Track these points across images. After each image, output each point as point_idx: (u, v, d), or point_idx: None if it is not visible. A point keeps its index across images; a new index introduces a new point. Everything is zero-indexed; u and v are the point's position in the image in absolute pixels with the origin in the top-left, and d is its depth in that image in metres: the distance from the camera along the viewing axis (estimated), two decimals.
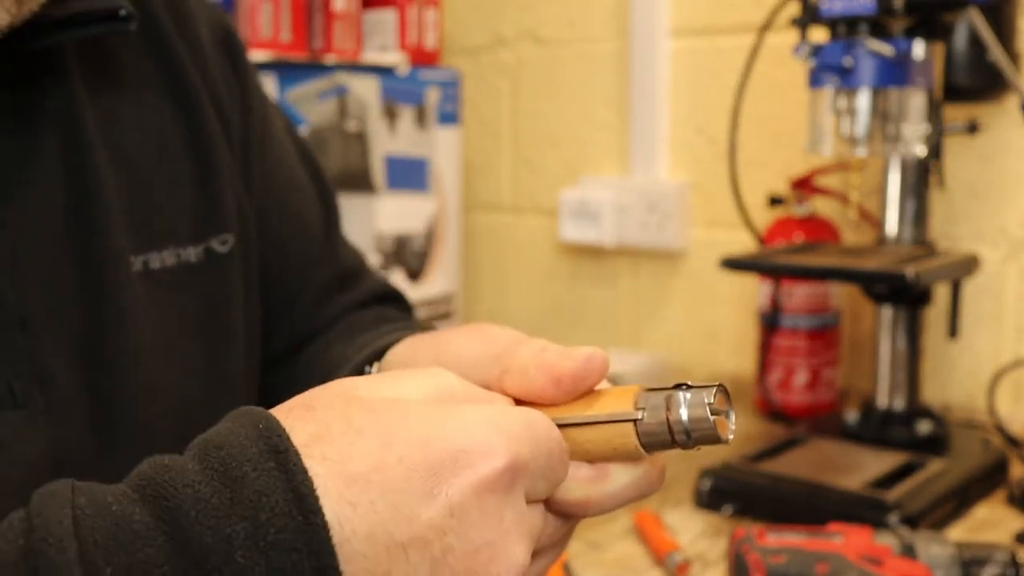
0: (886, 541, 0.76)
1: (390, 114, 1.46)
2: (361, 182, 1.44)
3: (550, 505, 0.47)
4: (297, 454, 0.38)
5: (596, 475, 0.48)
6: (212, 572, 0.36)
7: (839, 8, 0.99)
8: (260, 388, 0.73)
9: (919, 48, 1.00)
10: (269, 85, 1.34)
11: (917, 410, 1.07)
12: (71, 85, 0.60)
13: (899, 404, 1.07)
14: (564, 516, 0.49)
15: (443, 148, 1.54)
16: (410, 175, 1.50)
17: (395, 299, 0.81)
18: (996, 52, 0.99)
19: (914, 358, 1.08)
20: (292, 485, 0.38)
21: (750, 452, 1.02)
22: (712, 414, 0.46)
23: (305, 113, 1.38)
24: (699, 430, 0.46)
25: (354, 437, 0.40)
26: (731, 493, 0.95)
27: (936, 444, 1.04)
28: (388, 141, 1.46)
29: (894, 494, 0.90)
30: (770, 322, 1.25)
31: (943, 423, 1.07)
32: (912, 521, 0.87)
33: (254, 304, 0.70)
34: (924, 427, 1.05)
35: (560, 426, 0.46)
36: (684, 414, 0.45)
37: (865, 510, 0.88)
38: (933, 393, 1.24)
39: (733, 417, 0.47)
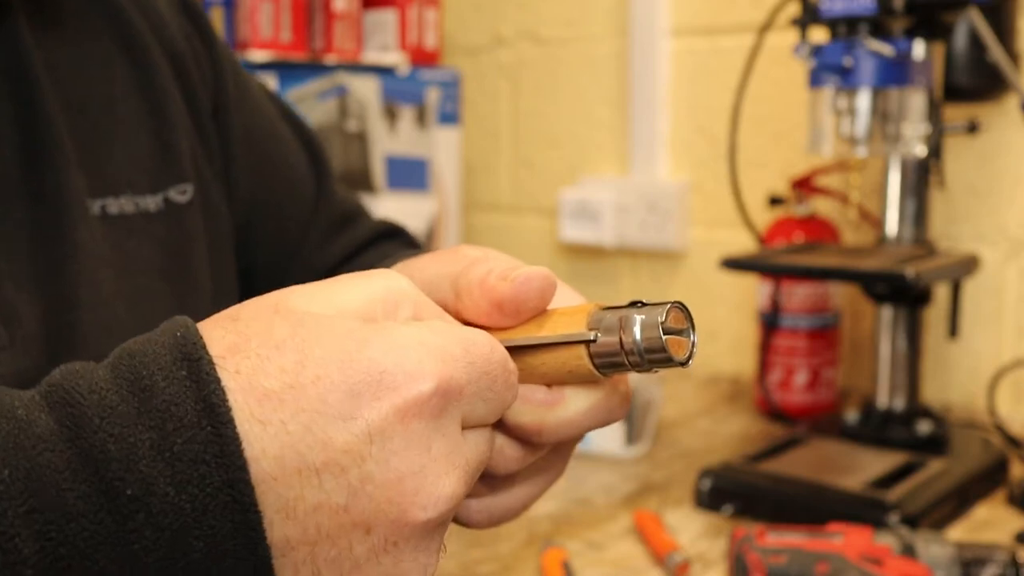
0: (886, 541, 0.76)
1: (390, 114, 1.46)
2: (361, 182, 1.44)
3: (505, 430, 0.46)
4: (211, 363, 0.37)
5: (551, 399, 0.46)
6: (114, 481, 0.35)
7: (839, 8, 0.99)
8: None
9: (919, 48, 1.00)
10: (269, 85, 1.34)
11: (917, 410, 1.07)
12: (15, 24, 0.58)
13: (899, 404, 1.07)
14: (523, 442, 0.47)
15: (443, 148, 1.54)
16: (410, 175, 1.50)
17: (398, 235, 0.80)
18: (996, 52, 0.99)
19: (914, 358, 1.08)
20: (203, 395, 0.36)
21: (750, 452, 1.02)
22: (667, 333, 0.42)
23: (305, 113, 1.38)
24: (652, 351, 0.43)
25: (271, 352, 0.38)
26: (731, 493, 0.95)
27: (936, 444, 1.04)
28: (388, 141, 1.46)
29: (894, 494, 0.90)
30: (770, 322, 1.25)
31: (943, 423, 1.07)
32: (912, 521, 0.87)
33: (223, 255, 0.69)
34: (924, 427, 1.05)
35: (513, 348, 0.44)
36: (637, 334, 0.42)
37: (865, 510, 0.88)
38: (933, 393, 1.24)
39: (694, 337, 0.44)
